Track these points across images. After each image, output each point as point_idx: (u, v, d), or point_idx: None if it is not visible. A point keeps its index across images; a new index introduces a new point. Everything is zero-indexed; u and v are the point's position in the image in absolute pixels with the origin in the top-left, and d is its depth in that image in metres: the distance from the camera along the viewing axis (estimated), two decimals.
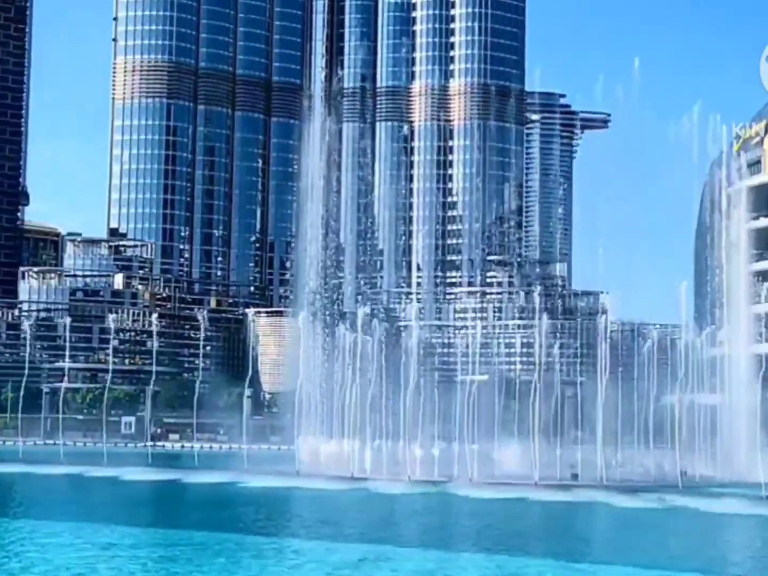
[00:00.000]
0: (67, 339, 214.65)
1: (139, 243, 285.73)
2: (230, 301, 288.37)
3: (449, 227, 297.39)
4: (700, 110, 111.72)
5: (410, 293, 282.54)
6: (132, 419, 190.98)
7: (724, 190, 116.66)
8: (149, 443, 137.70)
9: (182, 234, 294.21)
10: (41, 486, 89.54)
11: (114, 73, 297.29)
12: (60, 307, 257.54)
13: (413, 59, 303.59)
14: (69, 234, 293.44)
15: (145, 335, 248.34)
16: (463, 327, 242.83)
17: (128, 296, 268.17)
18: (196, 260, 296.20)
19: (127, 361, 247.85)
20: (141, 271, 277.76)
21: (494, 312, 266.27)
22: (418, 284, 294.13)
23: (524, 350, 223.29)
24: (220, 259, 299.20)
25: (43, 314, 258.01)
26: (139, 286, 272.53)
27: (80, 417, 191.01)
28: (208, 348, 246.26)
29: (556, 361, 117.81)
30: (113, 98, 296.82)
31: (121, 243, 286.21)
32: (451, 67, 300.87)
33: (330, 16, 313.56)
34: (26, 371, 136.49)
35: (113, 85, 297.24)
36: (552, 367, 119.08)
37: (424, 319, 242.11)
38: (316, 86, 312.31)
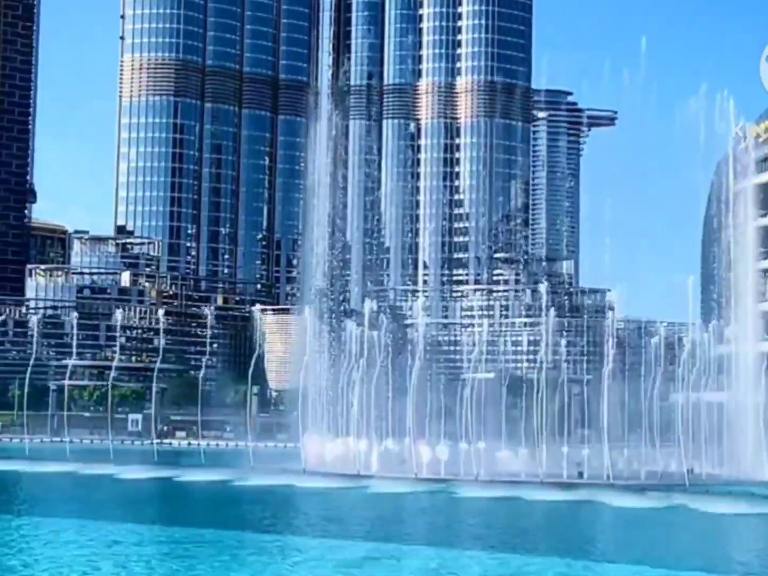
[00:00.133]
0: (74, 336, 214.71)
1: (146, 240, 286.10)
2: (237, 298, 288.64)
3: (456, 225, 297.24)
4: (707, 91, 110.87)
5: (417, 291, 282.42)
6: (139, 416, 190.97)
7: (731, 187, 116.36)
8: (156, 440, 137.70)
9: (189, 231, 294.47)
10: (42, 483, 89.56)
11: (121, 70, 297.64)
12: (67, 304, 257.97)
13: (420, 57, 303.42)
14: (76, 232, 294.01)
15: (151, 333, 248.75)
16: (470, 324, 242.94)
17: (135, 294, 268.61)
18: (202, 258, 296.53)
19: (134, 358, 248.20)
20: (148, 269, 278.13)
21: (501, 309, 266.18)
22: (425, 282, 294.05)
23: (531, 348, 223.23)
24: (226, 256, 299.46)
25: (50, 312, 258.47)
26: (146, 284, 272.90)
27: (87, 414, 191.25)
28: (215, 345, 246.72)
29: (563, 359, 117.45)
30: (120, 96, 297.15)
31: (128, 240, 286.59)
32: (458, 64, 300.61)
33: (337, 14, 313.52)
34: (29, 368, 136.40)
35: (120, 82, 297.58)
36: (558, 364, 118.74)
37: (430, 317, 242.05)
38: (322, 84, 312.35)
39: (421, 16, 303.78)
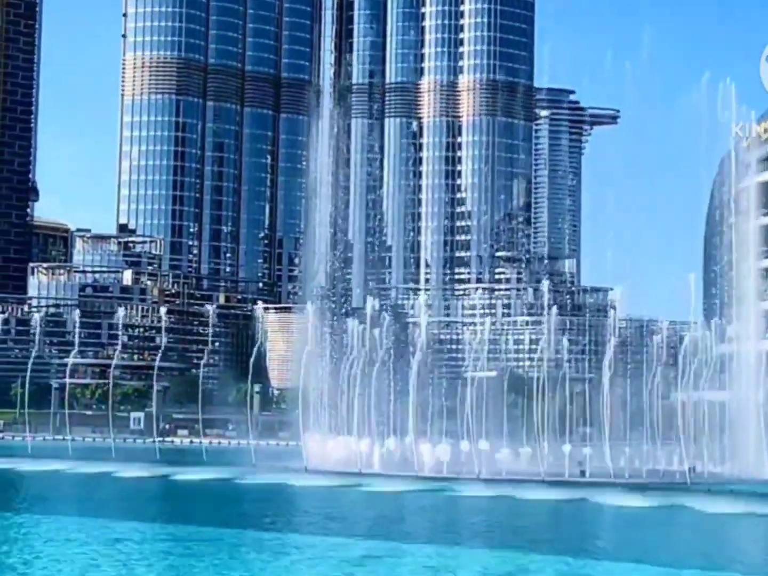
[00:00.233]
0: (76, 335, 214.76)
1: (148, 239, 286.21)
2: (239, 297, 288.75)
3: (458, 223, 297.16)
4: (709, 81, 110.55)
5: (419, 289, 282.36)
6: (141, 415, 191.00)
7: (733, 186, 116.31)
8: (158, 439, 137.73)
9: (191, 230, 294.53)
10: (43, 482, 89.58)
11: (123, 69, 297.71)
12: (69, 302, 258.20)
13: (422, 55, 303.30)
14: (78, 230, 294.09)
15: (153, 331, 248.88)
16: (472, 323, 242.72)
17: (137, 292, 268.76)
18: (204, 256, 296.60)
19: (136, 356, 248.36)
20: (150, 267, 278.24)
21: (503, 308, 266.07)
22: (427, 280, 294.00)
23: (532, 346, 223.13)
24: (228, 255, 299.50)
25: (52, 310, 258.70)
26: (148, 282, 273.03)
27: (89, 412, 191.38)
28: (217, 344, 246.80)
29: (565, 358, 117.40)
30: (122, 94, 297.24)
31: (130, 239, 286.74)
32: (460, 63, 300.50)
33: (339, 12, 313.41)
34: (30, 366, 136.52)
35: (122, 81, 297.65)
36: (560, 363, 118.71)
37: (432, 315, 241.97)
38: (325, 82, 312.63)
39: (423, 14, 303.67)
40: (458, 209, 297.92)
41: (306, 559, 45.88)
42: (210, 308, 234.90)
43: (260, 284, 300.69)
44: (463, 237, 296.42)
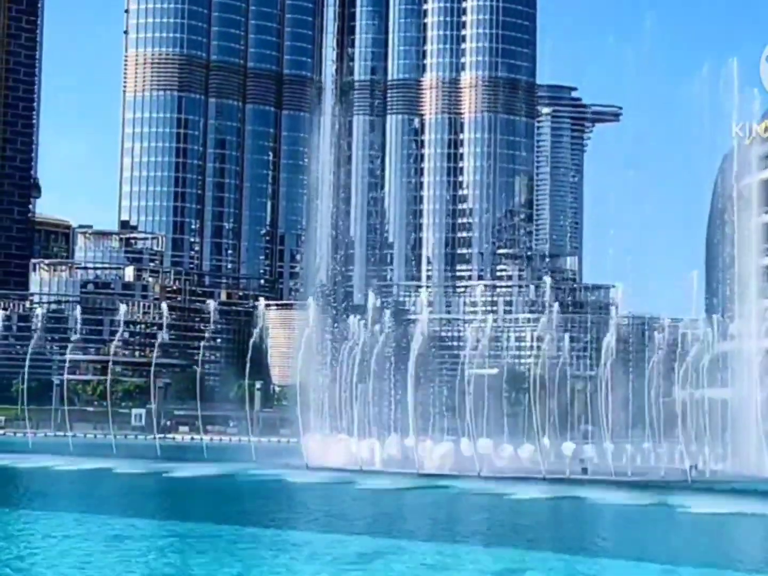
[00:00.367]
0: (78, 331, 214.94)
1: (149, 235, 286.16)
2: (240, 293, 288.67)
3: (459, 220, 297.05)
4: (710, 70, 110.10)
5: (420, 286, 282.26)
6: (142, 411, 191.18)
7: (735, 183, 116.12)
8: (159, 435, 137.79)
9: (193, 227, 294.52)
10: (43, 478, 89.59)
11: (125, 65, 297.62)
12: (71, 299, 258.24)
13: (424, 52, 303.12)
14: (80, 226, 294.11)
15: (155, 327, 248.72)
16: (473, 320, 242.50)
17: (139, 288, 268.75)
18: (206, 253, 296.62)
19: (137, 353, 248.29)
20: (151, 264, 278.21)
21: (504, 305, 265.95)
22: (428, 277, 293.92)
23: (534, 344, 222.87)
24: (230, 251, 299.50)
25: (53, 306, 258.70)
26: (150, 279, 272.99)
27: (90, 409, 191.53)
28: (218, 340, 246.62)
29: (566, 355, 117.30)
30: (124, 91, 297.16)
31: (131, 235, 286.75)
32: (462, 60, 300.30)
33: (341, 9, 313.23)
34: (29, 362, 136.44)
35: (124, 77, 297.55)
36: (562, 360, 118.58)
37: (433, 312, 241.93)
38: (327, 79, 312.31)
39: (425, 11, 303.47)
40: (460, 206, 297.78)
41: (305, 556, 45.81)
42: (211, 305, 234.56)
43: (262, 281, 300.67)
44: (464, 234, 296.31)
